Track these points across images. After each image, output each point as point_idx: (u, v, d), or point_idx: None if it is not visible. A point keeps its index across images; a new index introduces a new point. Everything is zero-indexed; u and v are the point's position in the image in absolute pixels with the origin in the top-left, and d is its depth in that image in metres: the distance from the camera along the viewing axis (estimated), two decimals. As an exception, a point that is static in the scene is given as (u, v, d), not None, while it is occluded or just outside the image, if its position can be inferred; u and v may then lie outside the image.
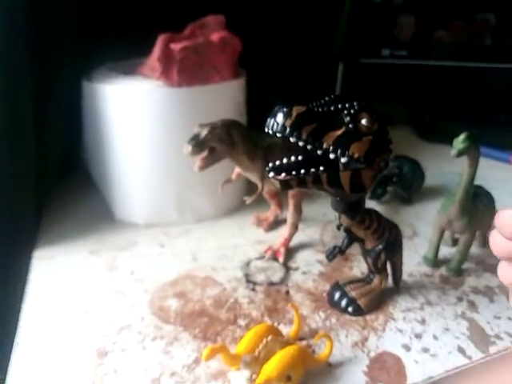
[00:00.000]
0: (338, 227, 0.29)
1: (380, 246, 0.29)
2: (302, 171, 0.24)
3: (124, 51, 0.53)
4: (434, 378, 0.32)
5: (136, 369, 0.33)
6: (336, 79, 0.79)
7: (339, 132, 0.24)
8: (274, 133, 0.24)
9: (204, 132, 0.36)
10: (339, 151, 0.24)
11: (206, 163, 0.37)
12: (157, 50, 0.45)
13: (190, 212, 0.51)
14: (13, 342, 0.35)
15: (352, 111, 0.25)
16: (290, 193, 0.45)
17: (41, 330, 0.36)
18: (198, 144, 0.36)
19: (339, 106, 0.25)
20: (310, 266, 0.45)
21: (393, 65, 0.76)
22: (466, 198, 0.40)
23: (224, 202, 0.53)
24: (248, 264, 0.45)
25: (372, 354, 0.34)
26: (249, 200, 0.41)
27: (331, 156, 0.25)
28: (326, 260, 0.45)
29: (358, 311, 0.38)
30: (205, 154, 0.37)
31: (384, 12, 0.72)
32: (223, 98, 0.49)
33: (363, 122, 0.25)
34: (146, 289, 0.41)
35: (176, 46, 0.45)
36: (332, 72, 0.80)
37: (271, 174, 0.25)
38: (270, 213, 0.52)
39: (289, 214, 0.46)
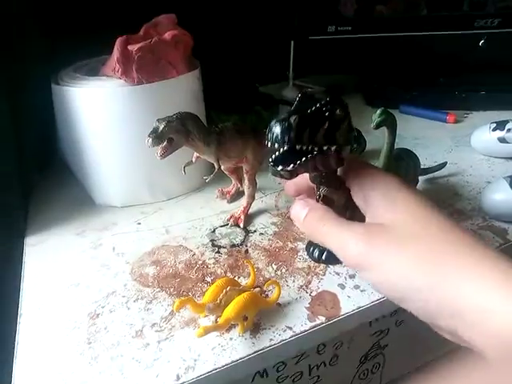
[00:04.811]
0: (318, 199, 0.34)
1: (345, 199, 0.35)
2: (303, 159, 0.28)
3: (87, 50, 0.58)
4: (361, 308, 0.41)
5: (122, 325, 0.40)
6: (289, 57, 0.85)
7: (325, 127, 0.28)
8: (281, 144, 0.27)
9: (161, 126, 0.42)
10: (330, 144, 0.29)
11: (167, 152, 0.43)
12: (116, 53, 0.50)
13: (161, 192, 0.58)
14: (16, 314, 0.42)
15: (329, 106, 0.28)
16: (245, 169, 0.52)
17: (39, 302, 0.43)
18: (156, 137, 0.42)
19: (315, 105, 0.29)
20: (266, 228, 0.52)
21: (340, 39, 0.82)
22: (388, 161, 0.47)
23: (191, 180, 0.59)
24: (214, 231, 0.52)
25: (313, 294, 0.42)
26: (208, 179, 0.48)
27: (324, 148, 0.29)
28: (279, 222, 0.53)
29: (330, 258, 0.45)
30: (164, 144, 0.43)
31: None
32: (181, 90, 0.55)
33: (338, 112, 0.29)
34: (127, 260, 0.48)
35: (133, 47, 0.50)
36: (285, 51, 0.86)
37: (280, 168, 0.28)
38: (232, 186, 0.59)
39: (245, 186, 0.53)
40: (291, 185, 0.37)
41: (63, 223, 0.55)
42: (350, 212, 0.34)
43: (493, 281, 0.25)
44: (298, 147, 0.28)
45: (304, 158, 0.28)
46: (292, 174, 0.29)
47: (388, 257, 0.28)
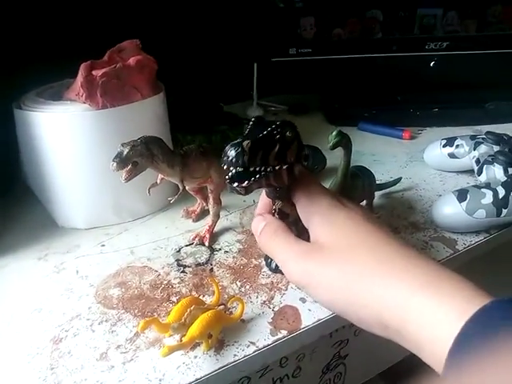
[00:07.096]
0: (274, 213, 0.37)
1: None
2: (257, 176, 0.30)
3: (49, 75, 0.59)
4: (321, 320, 0.42)
5: (86, 348, 0.40)
6: (252, 79, 0.88)
7: (276, 149, 0.31)
8: (235, 167, 0.30)
9: (126, 150, 0.43)
10: (281, 163, 0.31)
11: (131, 175, 0.44)
12: (80, 78, 0.50)
13: (126, 212, 0.58)
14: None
15: (279, 130, 0.31)
16: (209, 188, 0.53)
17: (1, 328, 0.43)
18: (121, 161, 0.42)
19: (267, 129, 0.31)
20: (230, 246, 0.54)
21: (301, 60, 0.85)
22: (344, 180, 0.49)
23: (157, 200, 0.60)
24: (179, 251, 0.53)
25: (276, 309, 0.44)
26: (172, 200, 0.49)
27: (276, 168, 0.31)
28: (244, 239, 0.55)
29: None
30: (129, 167, 0.44)
31: (287, 15, 0.81)
32: (146, 113, 0.56)
33: (287, 134, 0.32)
34: (91, 283, 0.48)
35: (97, 73, 0.51)
36: (249, 71, 0.88)
37: (235, 184, 0.31)
38: (197, 206, 0.60)
39: (210, 206, 0.54)
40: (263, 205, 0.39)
41: (25, 247, 0.54)
42: (303, 225, 0.36)
43: (416, 285, 0.26)
44: (251, 169, 0.30)
45: (258, 176, 0.31)
46: (247, 190, 0.32)
47: (323, 275, 0.30)
